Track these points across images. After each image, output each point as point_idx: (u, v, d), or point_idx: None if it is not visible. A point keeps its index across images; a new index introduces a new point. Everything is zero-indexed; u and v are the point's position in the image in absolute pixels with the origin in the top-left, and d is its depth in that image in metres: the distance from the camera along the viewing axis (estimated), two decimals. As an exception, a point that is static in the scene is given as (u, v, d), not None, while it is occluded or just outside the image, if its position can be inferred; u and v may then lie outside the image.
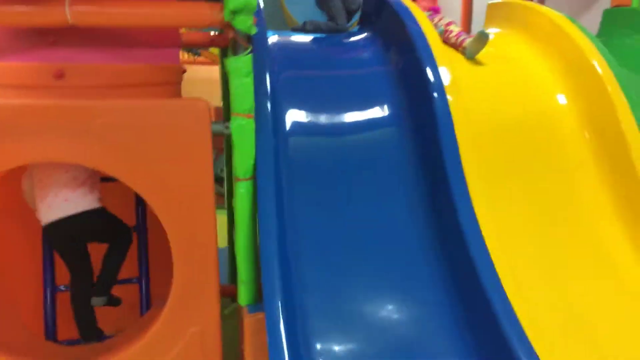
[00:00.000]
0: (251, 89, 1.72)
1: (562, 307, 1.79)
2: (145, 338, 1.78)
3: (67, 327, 2.06)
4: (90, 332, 2.01)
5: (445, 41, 2.42)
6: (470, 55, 2.33)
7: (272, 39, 2.31)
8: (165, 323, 1.78)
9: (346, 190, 1.93)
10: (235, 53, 1.70)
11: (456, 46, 2.40)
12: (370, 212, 1.89)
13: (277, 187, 1.78)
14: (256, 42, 1.95)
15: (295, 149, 1.95)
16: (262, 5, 2.24)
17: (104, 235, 1.99)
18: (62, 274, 2.08)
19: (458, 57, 2.36)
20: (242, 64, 1.69)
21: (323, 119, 2.07)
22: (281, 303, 1.53)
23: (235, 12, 1.63)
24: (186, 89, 2.11)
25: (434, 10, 2.57)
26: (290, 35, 2.55)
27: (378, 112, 2.12)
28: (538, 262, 1.87)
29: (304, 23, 2.85)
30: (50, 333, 2.05)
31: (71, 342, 2.04)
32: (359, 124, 2.09)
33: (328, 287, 1.72)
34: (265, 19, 4.07)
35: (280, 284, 1.56)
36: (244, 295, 1.81)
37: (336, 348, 1.61)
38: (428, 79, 2.00)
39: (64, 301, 2.06)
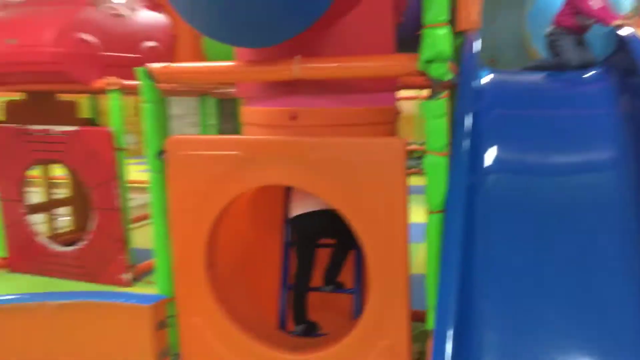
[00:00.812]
0: (444, 129, 1.86)
1: None
2: (343, 343, 2.07)
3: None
4: (301, 318, 2.45)
5: None
6: None
7: (487, 78, 2.38)
8: (360, 332, 2.04)
9: (547, 233, 1.87)
10: (431, 97, 1.87)
11: None
12: (573, 261, 1.79)
13: (469, 221, 1.86)
14: (461, 84, 2.10)
15: (495, 186, 1.98)
16: (477, 49, 2.34)
17: (332, 232, 2.41)
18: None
19: None
20: (435, 106, 1.85)
21: (529, 158, 2.05)
22: (453, 334, 1.60)
23: (429, 62, 1.81)
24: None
25: None
26: (509, 74, 2.56)
27: (594, 155, 2.00)
28: None
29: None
30: (282, 323, 2.52)
31: (295, 333, 2.47)
32: (568, 166, 2.00)
33: (512, 329, 1.71)
34: (507, 58, 4.08)
35: (453, 316, 1.63)
36: (431, 320, 1.92)
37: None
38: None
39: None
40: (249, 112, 2.36)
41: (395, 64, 1.92)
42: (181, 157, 2.19)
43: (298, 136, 2.11)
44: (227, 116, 7.66)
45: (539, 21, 2.90)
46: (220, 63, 2.22)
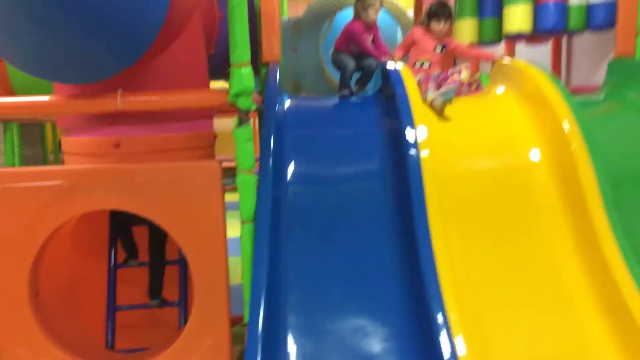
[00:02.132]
0: (252, 151, 2.23)
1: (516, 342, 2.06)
2: (171, 348, 2.28)
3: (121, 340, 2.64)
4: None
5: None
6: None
7: (287, 103, 2.83)
8: (186, 337, 2.28)
9: (336, 231, 2.34)
10: (239, 124, 2.22)
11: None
12: (355, 251, 2.29)
13: (276, 228, 2.24)
14: (265, 110, 2.49)
15: (295, 196, 2.41)
16: (278, 79, 2.76)
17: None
18: (121, 296, 2.68)
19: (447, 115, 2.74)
20: (244, 132, 2.20)
21: (321, 171, 2.53)
22: (262, 322, 1.95)
23: (237, 95, 2.17)
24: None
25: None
26: (305, 100, 3.05)
27: (368, 166, 2.55)
28: (499, 298, 2.16)
29: None
30: (110, 342, 2.62)
31: (123, 351, 2.62)
32: (351, 176, 2.52)
33: (312, 314, 2.13)
34: (308, 81, 4.66)
35: (264, 307, 1.99)
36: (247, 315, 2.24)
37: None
38: (406, 138, 2.39)
39: (121, 318, 2.65)
40: (71, 142, 2.44)
41: (209, 97, 2.24)
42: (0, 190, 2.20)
43: (122, 163, 2.28)
44: (31, 142, 7.16)
45: (330, 49, 3.48)
46: (42, 98, 2.29)
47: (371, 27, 3.16)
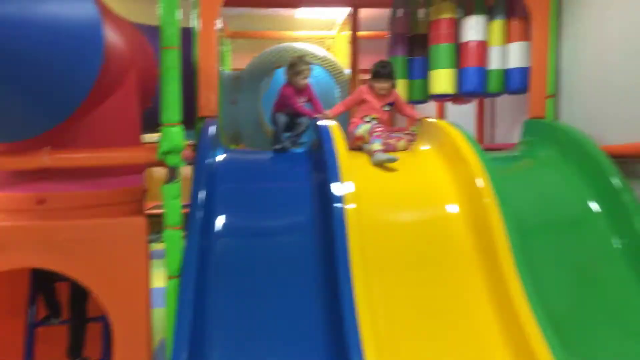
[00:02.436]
0: (179, 207, 2.26)
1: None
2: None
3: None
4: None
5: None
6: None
7: (221, 156, 2.90)
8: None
9: (263, 285, 2.38)
10: (168, 181, 2.26)
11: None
12: (281, 303, 2.34)
13: (202, 281, 2.26)
14: (197, 164, 2.54)
15: (223, 249, 2.45)
16: (213, 132, 2.84)
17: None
18: (41, 356, 2.58)
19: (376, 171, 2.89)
20: (172, 189, 2.24)
21: (250, 224, 2.59)
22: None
23: (166, 153, 2.22)
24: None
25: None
26: (239, 153, 3.14)
27: (296, 219, 2.63)
28: (419, 346, 2.24)
29: None
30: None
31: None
32: (279, 229, 2.60)
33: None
34: (248, 132, 4.75)
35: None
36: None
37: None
38: (331, 193, 2.50)
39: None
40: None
41: (138, 155, 2.28)
42: None
43: (45, 219, 2.26)
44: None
45: (269, 105, 3.63)
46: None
47: (303, 90, 3.35)
